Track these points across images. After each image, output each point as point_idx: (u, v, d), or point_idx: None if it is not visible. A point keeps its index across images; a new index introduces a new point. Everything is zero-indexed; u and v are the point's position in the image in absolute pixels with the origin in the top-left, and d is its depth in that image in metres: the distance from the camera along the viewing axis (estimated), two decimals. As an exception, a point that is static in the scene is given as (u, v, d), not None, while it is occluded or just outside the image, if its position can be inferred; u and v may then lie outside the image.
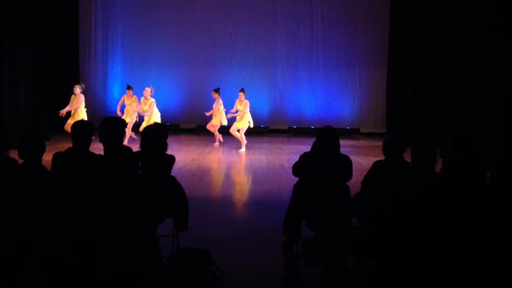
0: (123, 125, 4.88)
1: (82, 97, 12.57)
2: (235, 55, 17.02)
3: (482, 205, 3.95)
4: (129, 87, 13.45)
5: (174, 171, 5.08)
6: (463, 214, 3.89)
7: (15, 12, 11.99)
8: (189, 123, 16.60)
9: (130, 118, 13.03)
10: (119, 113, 13.32)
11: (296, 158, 5.38)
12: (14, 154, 4.34)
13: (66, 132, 11.96)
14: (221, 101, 13.26)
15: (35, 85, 12.97)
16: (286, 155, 12.37)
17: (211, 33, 16.85)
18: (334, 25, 16.92)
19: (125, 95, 13.53)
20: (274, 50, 17.02)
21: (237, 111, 13.01)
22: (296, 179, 5.26)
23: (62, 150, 4.55)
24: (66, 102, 12.83)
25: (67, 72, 15.99)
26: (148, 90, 12.99)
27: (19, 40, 12.23)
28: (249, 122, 12.96)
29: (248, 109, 12.95)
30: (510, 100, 9.38)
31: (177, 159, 5.20)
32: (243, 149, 12.76)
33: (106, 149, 4.71)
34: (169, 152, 4.99)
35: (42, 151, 4.27)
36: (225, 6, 16.84)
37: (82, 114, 12.47)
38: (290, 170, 5.28)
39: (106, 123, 4.79)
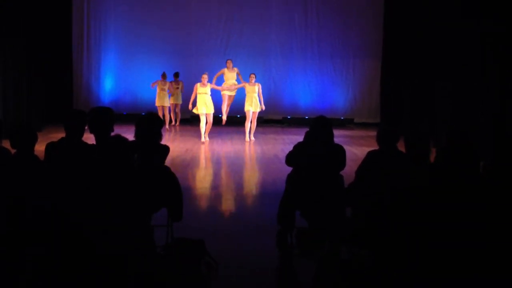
0: (112, 114, 4.81)
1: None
2: (229, 45, 16.95)
3: (477, 195, 3.96)
4: (176, 74, 15.55)
5: (168, 161, 5.06)
6: (457, 205, 3.90)
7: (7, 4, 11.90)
8: (183, 114, 16.53)
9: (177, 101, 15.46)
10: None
11: (290, 148, 5.37)
12: (6, 144, 4.32)
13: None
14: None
15: (28, 76, 12.91)
16: (280, 145, 12.37)
17: (205, 23, 16.77)
18: (328, 15, 16.87)
19: (172, 82, 15.26)
20: (268, 40, 16.96)
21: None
22: (290, 169, 5.25)
23: (55, 140, 4.52)
24: (59, 92, 12.74)
25: (59, 63, 15.89)
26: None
27: (11, 31, 12.13)
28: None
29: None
30: (507, 92, 9.35)
31: (171, 149, 5.17)
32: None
33: (97, 139, 4.66)
34: (163, 142, 4.96)
35: (34, 140, 4.24)
36: (219, -5, 16.76)
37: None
38: (284, 160, 5.27)
39: (95, 113, 4.73)
